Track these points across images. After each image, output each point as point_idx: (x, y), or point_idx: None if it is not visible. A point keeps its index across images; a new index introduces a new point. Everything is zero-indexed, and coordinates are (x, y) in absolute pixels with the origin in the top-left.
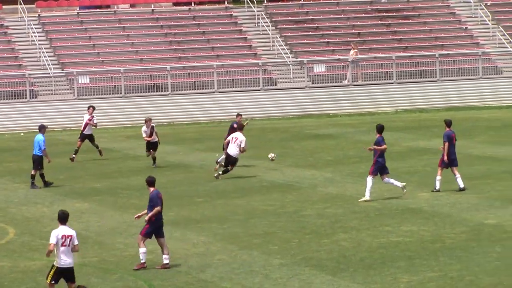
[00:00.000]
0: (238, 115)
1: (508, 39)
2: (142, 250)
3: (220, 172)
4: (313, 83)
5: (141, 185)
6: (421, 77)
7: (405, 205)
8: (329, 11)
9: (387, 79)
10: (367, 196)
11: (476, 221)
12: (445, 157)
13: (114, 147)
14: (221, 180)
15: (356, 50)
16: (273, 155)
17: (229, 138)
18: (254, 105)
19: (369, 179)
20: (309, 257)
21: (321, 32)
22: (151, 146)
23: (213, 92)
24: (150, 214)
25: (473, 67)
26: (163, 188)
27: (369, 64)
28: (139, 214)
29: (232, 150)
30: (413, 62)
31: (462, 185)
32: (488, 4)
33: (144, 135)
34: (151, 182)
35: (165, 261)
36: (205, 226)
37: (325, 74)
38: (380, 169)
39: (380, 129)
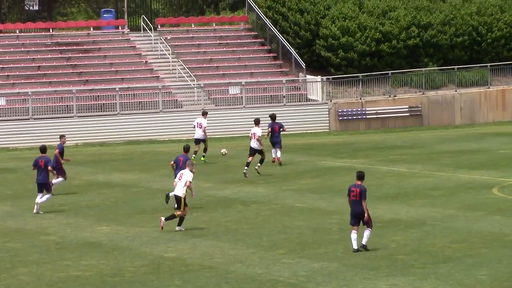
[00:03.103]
0: (62, 136)
1: (188, 72)
2: None
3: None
4: None
5: None
6: (101, 111)
7: (85, 239)
8: (9, 44)
9: (68, 113)
10: None
11: (156, 254)
12: None
13: None
14: None
15: None
16: (224, 150)
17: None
18: None
19: None
20: None
21: (1, 66)
22: None
23: None
24: None
25: (154, 100)
26: None
27: (50, 97)
28: None
29: (253, 144)
30: (93, 95)
31: None
32: (168, 38)
33: None
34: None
35: None
36: None
37: (5, 108)
38: None
39: None
